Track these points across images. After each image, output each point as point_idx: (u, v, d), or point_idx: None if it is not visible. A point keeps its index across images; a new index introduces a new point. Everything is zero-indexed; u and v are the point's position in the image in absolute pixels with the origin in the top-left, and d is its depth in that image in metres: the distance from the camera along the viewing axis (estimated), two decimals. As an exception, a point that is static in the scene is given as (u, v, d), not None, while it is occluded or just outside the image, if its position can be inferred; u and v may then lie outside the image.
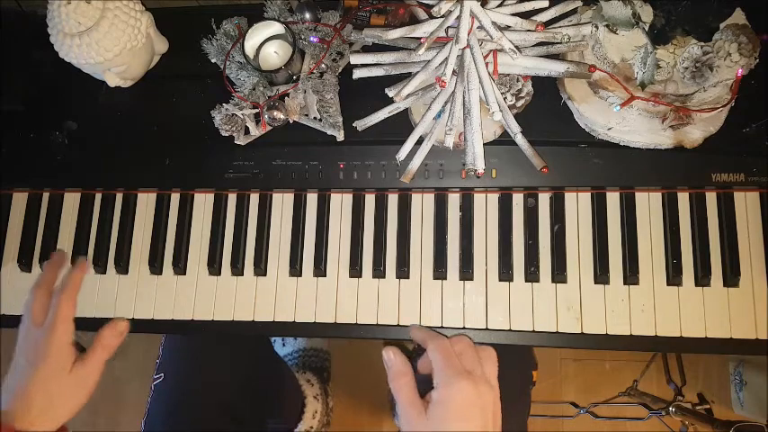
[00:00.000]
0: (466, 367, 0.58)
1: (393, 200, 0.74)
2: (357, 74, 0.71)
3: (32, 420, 0.63)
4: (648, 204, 0.71)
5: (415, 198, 0.74)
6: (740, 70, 0.65)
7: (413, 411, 0.57)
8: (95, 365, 0.68)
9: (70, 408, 0.66)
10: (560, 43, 0.70)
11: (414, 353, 1.35)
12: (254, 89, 0.74)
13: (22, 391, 0.64)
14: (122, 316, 0.73)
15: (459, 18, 0.63)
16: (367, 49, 0.75)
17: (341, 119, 0.74)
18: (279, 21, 0.73)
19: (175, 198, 0.77)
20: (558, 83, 0.73)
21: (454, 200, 0.74)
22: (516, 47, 0.64)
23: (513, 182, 0.72)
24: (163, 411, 0.82)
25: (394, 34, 0.66)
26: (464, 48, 0.65)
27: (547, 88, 0.73)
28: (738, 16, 0.69)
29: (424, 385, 0.61)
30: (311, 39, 0.74)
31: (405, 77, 0.69)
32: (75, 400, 0.67)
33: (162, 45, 0.78)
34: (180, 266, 0.75)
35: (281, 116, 0.72)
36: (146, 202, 0.78)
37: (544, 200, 0.73)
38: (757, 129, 0.70)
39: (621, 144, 0.70)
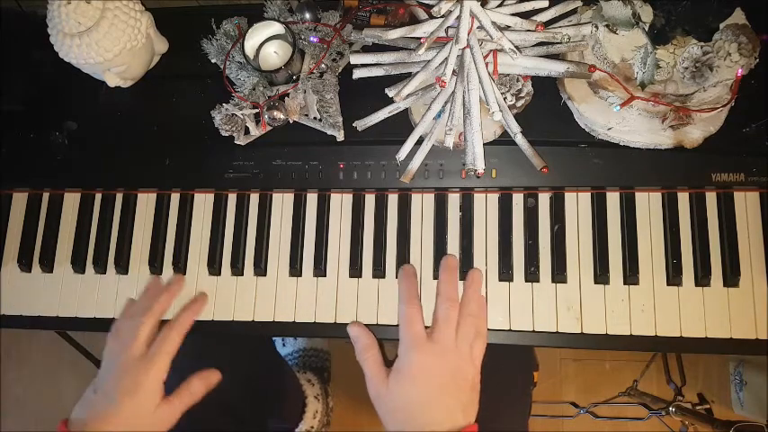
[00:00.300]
0: (432, 336, 0.63)
1: (393, 200, 0.74)
2: (357, 74, 0.71)
3: None
4: (648, 204, 0.71)
5: (415, 198, 0.74)
6: (740, 70, 0.65)
7: (377, 381, 0.63)
8: (178, 409, 0.67)
9: None
10: (560, 43, 0.70)
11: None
12: (254, 89, 0.74)
13: (104, 417, 0.62)
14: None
15: (459, 18, 0.63)
16: (367, 49, 0.75)
17: (341, 119, 0.74)
18: (279, 21, 0.73)
19: (175, 198, 0.77)
20: (558, 83, 0.73)
21: (454, 200, 0.74)
22: (516, 47, 0.64)
23: (513, 182, 0.72)
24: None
25: (394, 34, 0.66)
26: (464, 48, 0.65)
27: (547, 88, 0.72)
28: (738, 16, 0.69)
29: None
30: (311, 39, 0.74)
31: (405, 77, 0.69)
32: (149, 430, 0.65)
33: (162, 45, 0.79)
34: (180, 266, 0.75)
35: (281, 116, 0.72)
36: (146, 202, 0.78)
37: (544, 200, 0.73)
38: (757, 129, 0.70)
39: (621, 144, 0.70)
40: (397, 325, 0.71)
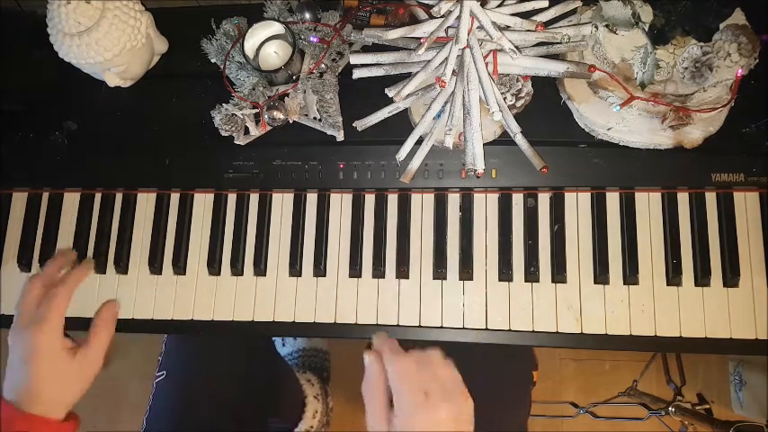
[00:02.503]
0: (423, 387, 0.57)
1: (393, 200, 0.74)
2: (357, 74, 0.71)
3: (42, 407, 0.63)
4: (648, 204, 0.71)
5: (415, 198, 0.74)
6: (740, 70, 0.65)
7: (380, 422, 0.58)
8: (99, 347, 0.69)
9: (78, 390, 0.67)
10: (560, 43, 0.70)
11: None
12: (253, 89, 0.74)
13: (27, 385, 0.64)
14: (122, 316, 0.73)
15: (458, 18, 0.63)
16: (367, 49, 0.75)
17: (341, 119, 0.74)
18: (279, 21, 0.73)
19: (175, 198, 0.77)
20: (558, 83, 0.73)
21: (454, 200, 0.74)
22: (516, 47, 0.64)
23: (512, 182, 0.72)
24: (164, 409, 0.83)
25: (394, 34, 0.66)
26: (464, 48, 0.65)
27: (547, 88, 0.73)
28: (738, 16, 0.69)
29: None
30: (311, 39, 0.74)
31: (405, 77, 0.69)
32: (82, 383, 0.67)
33: (162, 45, 0.78)
34: (180, 266, 0.75)
35: (281, 116, 0.72)
36: (145, 202, 0.78)
37: (544, 200, 0.73)
38: (757, 129, 0.70)
39: (621, 144, 0.70)
40: (398, 325, 0.71)
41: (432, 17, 0.66)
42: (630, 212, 0.71)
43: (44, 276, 0.71)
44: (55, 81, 0.80)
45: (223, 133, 0.74)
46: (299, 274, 0.74)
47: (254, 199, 0.76)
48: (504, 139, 0.70)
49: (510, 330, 0.70)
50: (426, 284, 0.72)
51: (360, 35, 0.71)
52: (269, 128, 0.74)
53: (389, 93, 0.68)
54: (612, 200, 0.72)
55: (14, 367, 0.66)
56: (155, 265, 0.75)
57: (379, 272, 0.72)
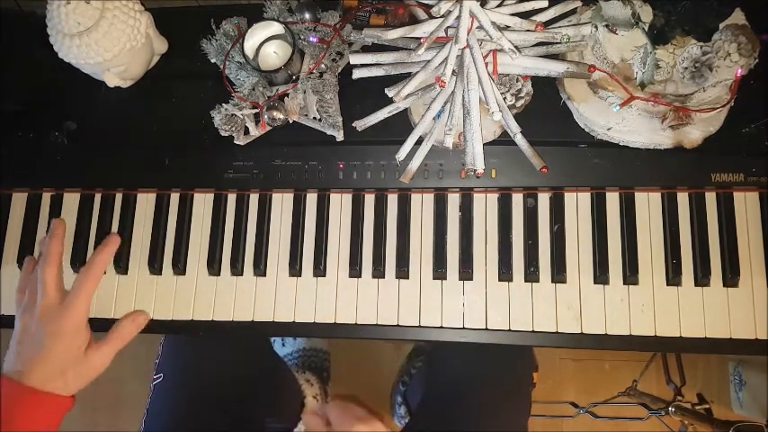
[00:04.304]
0: None
1: (393, 200, 0.74)
2: (357, 74, 0.71)
3: (48, 381, 0.65)
4: (648, 204, 0.71)
5: (415, 198, 0.74)
6: (739, 70, 0.65)
7: None
8: (108, 353, 0.70)
9: (79, 384, 0.68)
10: (560, 43, 0.70)
11: (413, 353, 1.35)
12: (253, 89, 0.74)
13: (38, 360, 0.66)
14: (120, 317, 0.73)
15: (458, 18, 0.63)
16: (366, 49, 0.75)
17: (340, 119, 0.74)
18: (278, 21, 0.73)
19: (175, 198, 0.77)
20: (558, 83, 0.73)
21: (454, 200, 0.74)
22: (516, 47, 0.64)
23: (512, 182, 0.72)
24: (163, 411, 0.83)
25: (393, 34, 0.66)
26: (463, 48, 0.66)
27: (547, 88, 0.73)
28: (738, 16, 0.69)
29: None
30: (311, 39, 0.74)
31: (404, 77, 0.69)
32: (84, 378, 0.69)
33: (161, 45, 0.78)
34: (179, 267, 0.75)
35: (281, 116, 0.72)
36: (145, 202, 0.78)
37: (544, 200, 0.73)
38: (757, 129, 0.70)
39: (621, 144, 0.70)
40: (397, 325, 0.71)
41: (431, 17, 0.66)
42: (630, 212, 0.71)
43: (53, 257, 0.71)
44: (55, 81, 0.80)
45: (223, 133, 0.74)
46: (299, 275, 0.74)
47: (253, 199, 0.76)
48: (504, 139, 0.70)
49: (510, 330, 0.70)
50: (426, 284, 0.72)
51: (359, 35, 0.71)
52: (269, 128, 0.74)
53: (389, 93, 0.68)
54: (612, 200, 0.72)
55: (37, 339, 0.67)
56: (154, 266, 0.75)
57: (378, 272, 0.72)
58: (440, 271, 0.71)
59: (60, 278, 0.72)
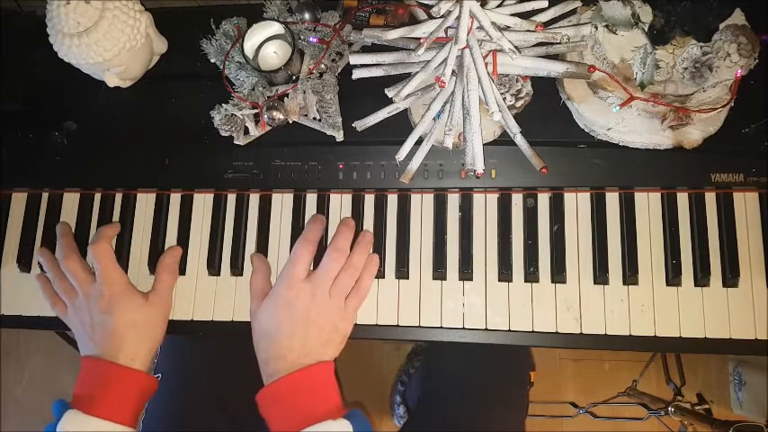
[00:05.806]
0: (309, 278, 0.67)
1: (392, 200, 0.74)
2: (356, 74, 0.71)
3: (129, 354, 0.67)
4: (648, 205, 0.71)
5: (415, 198, 0.74)
6: (739, 71, 0.65)
7: (253, 303, 0.70)
8: (166, 290, 0.72)
9: (158, 334, 0.71)
10: (560, 43, 0.70)
11: (412, 353, 1.35)
12: (253, 89, 0.74)
13: (110, 335, 0.67)
14: None
15: (458, 18, 0.63)
16: (366, 49, 0.75)
17: (340, 119, 0.74)
18: (278, 21, 0.73)
19: (175, 198, 0.77)
20: (558, 83, 0.73)
21: (454, 200, 0.74)
22: (516, 47, 0.64)
23: (512, 182, 0.72)
24: (161, 411, 0.82)
25: (393, 34, 0.66)
26: (463, 48, 0.65)
27: (546, 88, 0.73)
28: (738, 16, 0.69)
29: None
30: (310, 39, 0.74)
31: (404, 77, 0.69)
32: (160, 326, 0.72)
33: (161, 45, 0.78)
34: (179, 267, 0.75)
35: (281, 116, 0.72)
36: (145, 202, 0.78)
37: (543, 200, 0.73)
38: (757, 129, 0.70)
39: (621, 144, 0.70)
40: (397, 325, 0.71)
41: (431, 17, 0.66)
42: (630, 213, 0.71)
43: (73, 253, 0.72)
44: (55, 81, 0.80)
45: (223, 133, 0.74)
46: (299, 275, 0.74)
47: (253, 199, 0.76)
48: (504, 140, 0.70)
49: (510, 331, 0.70)
50: (426, 285, 0.72)
51: (359, 35, 0.71)
52: (269, 128, 0.74)
53: (389, 93, 0.68)
54: (612, 200, 0.72)
55: (97, 324, 0.68)
56: (154, 266, 0.75)
57: (378, 272, 0.72)
58: (439, 271, 0.71)
59: (84, 262, 0.72)
